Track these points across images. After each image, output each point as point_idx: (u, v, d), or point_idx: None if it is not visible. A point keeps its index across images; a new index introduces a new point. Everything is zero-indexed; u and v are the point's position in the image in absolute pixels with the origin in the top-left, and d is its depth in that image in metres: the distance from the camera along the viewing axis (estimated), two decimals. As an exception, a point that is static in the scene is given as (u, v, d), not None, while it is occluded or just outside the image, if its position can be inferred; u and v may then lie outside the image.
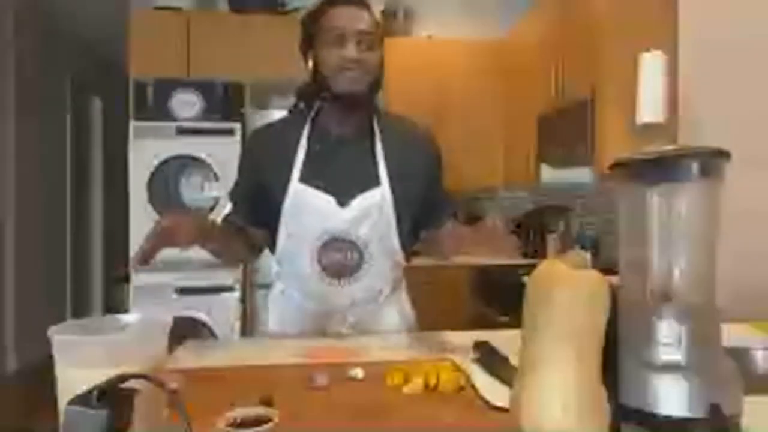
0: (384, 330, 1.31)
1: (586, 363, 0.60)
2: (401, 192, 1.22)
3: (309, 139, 1.23)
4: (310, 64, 1.21)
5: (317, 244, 1.19)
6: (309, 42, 1.21)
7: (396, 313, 1.35)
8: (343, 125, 1.24)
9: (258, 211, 1.26)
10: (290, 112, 1.33)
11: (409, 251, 1.32)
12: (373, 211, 1.19)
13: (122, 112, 3.65)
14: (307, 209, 1.19)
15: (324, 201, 1.18)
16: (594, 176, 3.02)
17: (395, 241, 1.25)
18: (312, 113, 1.27)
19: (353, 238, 1.19)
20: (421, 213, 1.30)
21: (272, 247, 1.29)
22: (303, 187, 1.19)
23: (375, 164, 1.22)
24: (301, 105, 1.30)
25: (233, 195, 1.31)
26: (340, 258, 1.20)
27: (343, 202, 1.18)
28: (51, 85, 4.68)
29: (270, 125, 1.32)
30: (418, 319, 1.43)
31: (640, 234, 0.71)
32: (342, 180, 1.20)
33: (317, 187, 1.19)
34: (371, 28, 1.15)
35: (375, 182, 1.21)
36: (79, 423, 0.47)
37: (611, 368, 0.64)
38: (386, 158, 1.23)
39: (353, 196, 1.19)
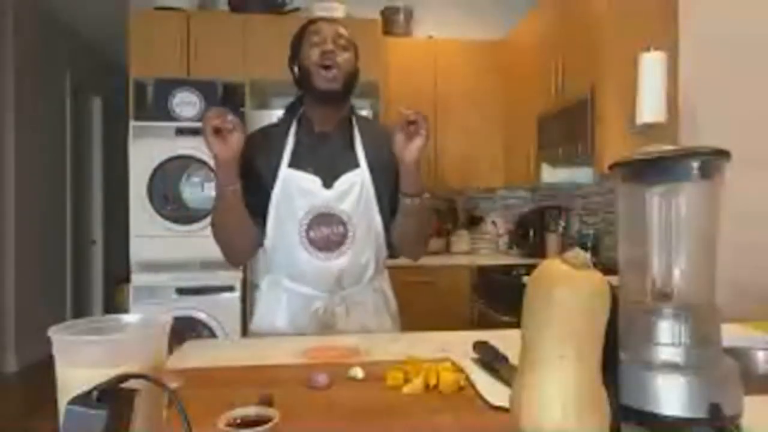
0: (369, 312, 1.38)
1: (586, 363, 0.60)
2: (378, 173, 1.36)
3: (296, 134, 1.38)
4: (296, 69, 1.37)
5: (305, 220, 1.32)
6: (296, 54, 1.37)
7: (380, 296, 1.43)
8: (324, 122, 1.38)
9: (251, 204, 1.32)
10: (279, 119, 1.46)
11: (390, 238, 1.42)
12: (354, 189, 1.33)
13: (122, 112, 3.65)
14: (296, 191, 1.32)
15: (311, 182, 1.32)
16: (594, 176, 3.03)
17: (377, 219, 1.37)
18: (298, 114, 1.41)
19: (337, 212, 1.32)
20: (394, 204, 1.38)
21: (263, 237, 1.37)
22: (291, 171, 1.33)
23: (354, 152, 1.37)
24: (289, 117, 1.43)
25: None
26: (326, 232, 1.32)
27: (327, 184, 1.32)
28: (51, 85, 4.68)
29: (260, 129, 1.47)
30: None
31: (640, 234, 0.71)
32: (326, 165, 1.34)
33: (305, 170, 1.33)
34: (345, 33, 1.35)
35: (355, 165, 1.35)
36: (79, 423, 0.47)
37: (611, 368, 0.64)
38: (363, 147, 1.38)
39: (336, 177, 1.33)
